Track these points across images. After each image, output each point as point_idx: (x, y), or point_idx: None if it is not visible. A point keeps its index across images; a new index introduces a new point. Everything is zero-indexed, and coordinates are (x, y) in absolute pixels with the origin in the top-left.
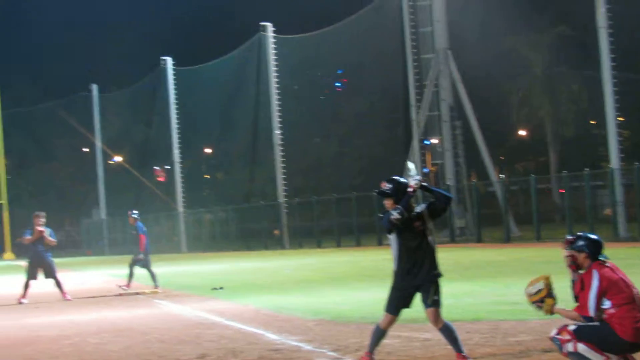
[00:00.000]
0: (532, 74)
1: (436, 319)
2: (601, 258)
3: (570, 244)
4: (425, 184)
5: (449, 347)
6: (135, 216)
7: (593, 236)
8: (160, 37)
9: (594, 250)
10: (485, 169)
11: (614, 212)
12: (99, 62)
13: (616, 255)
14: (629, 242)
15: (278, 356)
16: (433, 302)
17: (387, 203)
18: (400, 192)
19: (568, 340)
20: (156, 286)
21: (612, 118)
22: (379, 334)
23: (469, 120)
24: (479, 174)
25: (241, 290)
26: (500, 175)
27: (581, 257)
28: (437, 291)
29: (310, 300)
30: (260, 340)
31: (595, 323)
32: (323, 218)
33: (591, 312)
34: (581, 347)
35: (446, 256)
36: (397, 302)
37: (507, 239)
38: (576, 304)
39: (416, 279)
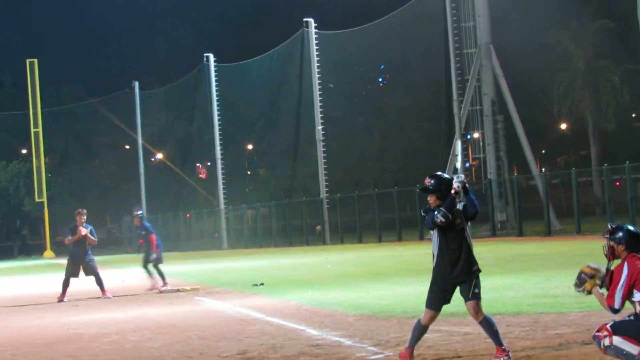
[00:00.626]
0: (574, 67)
1: (477, 311)
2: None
3: (611, 234)
4: (467, 185)
5: (489, 340)
6: (141, 216)
7: (632, 228)
8: (202, 33)
9: (633, 242)
10: (526, 162)
11: None
12: (141, 59)
13: None
14: None
15: (319, 351)
16: (473, 294)
17: (431, 199)
18: (443, 188)
19: (605, 336)
20: (165, 283)
21: None
22: (420, 329)
23: (511, 115)
24: (520, 168)
25: (282, 287)
26: (542, 169)
27: (620, 248)
28: (477, 285)
29: (351, 295)
30: (301, 335)
31: (630, 317)
32: (365, 213)
33: (617, 304)
34: (616, 340)
35: (487, 250)
36: (438, 298)
37: (549, 232)
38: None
39: (457, 275)
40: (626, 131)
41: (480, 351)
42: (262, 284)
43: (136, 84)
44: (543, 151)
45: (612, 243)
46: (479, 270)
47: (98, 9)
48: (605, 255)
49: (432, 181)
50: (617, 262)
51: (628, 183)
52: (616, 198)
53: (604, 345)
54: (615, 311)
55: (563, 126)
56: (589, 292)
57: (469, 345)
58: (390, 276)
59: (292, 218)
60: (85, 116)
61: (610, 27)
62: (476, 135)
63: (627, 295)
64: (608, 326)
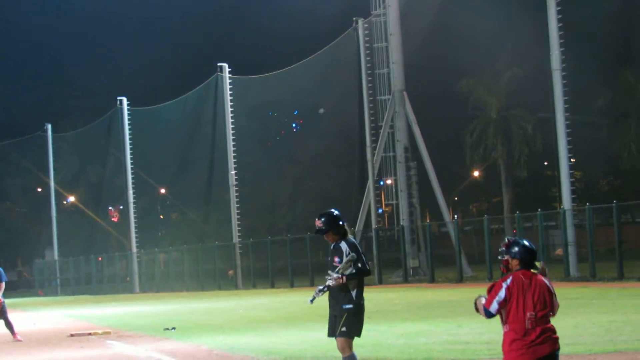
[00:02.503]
0: (487, 115)
1: (342, 348)
2: (533, 269)
3: (507, 248)
4: (346, 273)
5: None
6: None
7: (528, 244)
8: (116, 76)
9: (527, 258)
10: (439, 209)
11: (566, 252)
12: (54, 101)
13: (567, 294)
14: (580, 282)
15: None
16: (340, 332)
17: (327, 237)
18: (336, 224)
19: None
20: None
21: (564, 159)
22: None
23: (424, 161)
24: (433, 214)
25: (194, 331)
26: (454, 216)
27: (514, 263)
28: (344, 324)
29: (263, 340)
30: None
31: None
32: (277, 258)
33: (493, 308)
34: None
35: (399, 296)
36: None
37: (460, 279)
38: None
39: (332, 308)
40: (538, 179)
41: None
42: (173, 328)
43: (49, 126)
44: (455, 198)
45: (506, 257)
46: (351, 310)
47: (12, 49)
48: (500, 268)
49: (323, 219)
50: None
51: (540, 230)
52: None
53: None
54: (490, 315)
55: (476, 173)
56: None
57: None
58: (302, 321)
59: (204, 262)
60: None
61: (522, 75)
62: (389, 181)
63: (503, 305)
64: None
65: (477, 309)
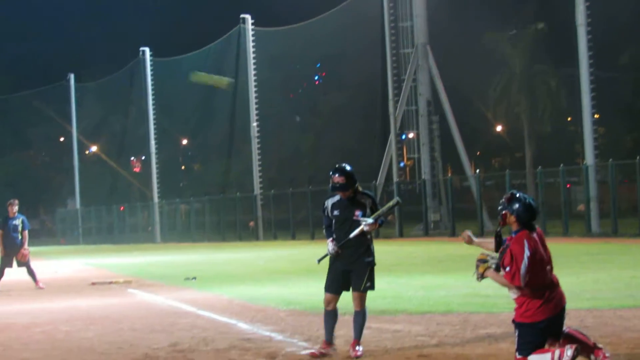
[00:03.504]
0: (511, 70)
1: (360, 302)
2: (532, 225)
3: (508, 202)
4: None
5: (419, 338)
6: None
7: (529, 202)
8: (139, 27)
9: (525, 217)
10: (461, 163)
11: (587, 208)
12: (77, 51)
13: (589, 250)
14: (601, 238)
15: (249, 345)
16: (365, 287)
17: (344, 194)
18: (355, 178)
19: None
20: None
21: (588, 115)
22: (326, 315)
23: (446, 115)
24: (454, 169)
25: (214, 281)
26: (476, 170)
27: (511, 219)
28: (370, 278)
29: (283, 291)
30: (232, 329)
31: (515, 332)
32: (298, 210)
33: (522, 281)
34: (531, 358)
35: (420, 249)
36: (329, 281)
37: (481, 233)
38: (504, 271)
39: (346, 262)
40: (561, 135)
41: (409, 348)
42: (194, 278)
43: (72, 76)
44: (478, 153)
45: (505, 211)
46: (372, 264)
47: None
48: (499, 222)
49: (342, 175)
50: (506, 229)
51: (561, 186)
52: (549, 201)
53: None
54: (521, 289)
55: (498, 128)
56: (483, 276)
57: (399, 343)
58: (322, 273)
59: (225, 213)
60: (20, 107)
61: (548, 31)
62: (411, 135)
63: (532, 272)
64: (519, 356)
65: (480, 274)
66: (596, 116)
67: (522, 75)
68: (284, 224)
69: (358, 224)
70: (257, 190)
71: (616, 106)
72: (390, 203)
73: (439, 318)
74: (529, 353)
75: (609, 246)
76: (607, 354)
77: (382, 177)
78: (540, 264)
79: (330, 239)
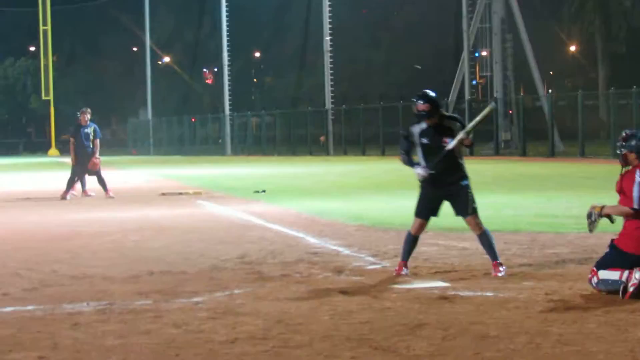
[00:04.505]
0: None
1: (476, 224)
2: None
3: (624, 141)
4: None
5: (486, 256)
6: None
7: None
8: None
9: None
10: (533, 83)
11: None
12: None
13: None
14: None
15: (316, 259)
16: (472, 209)
17: (430, 121)
18: (439, 105)
19: (593, 276)
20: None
21: None
22: (410, 240)
23: (520, 34)
24: (527, 88)
25: (283, 195)
26: (548, 90)
27: (632, 156)
28: (472, 199)
29: (352, 206)
30: (300, 243)
31: (608, 250)
32: (369, 126)
33: (636, 203)
34: (601, 273)
35: (489, 168)
36: (423, 207)
37: (552, 154)
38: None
39: (442, 188)
40: (636, 56)
41: (476, 266)
42: (263, 191)
43: None
44: (551, 72)
45: (624, 151)
46: (470, 186)
47: None
48: (620, 163)
49: (426, 102)
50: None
51: (634, 108)
52: (622, 123)
53: (594, 284)
54: (637, 210)
55: (572, 48)
56: (601, 216)
57: (466, 260)
58: (391, 189)
59: (296, 127)
60: (94, 16)
61: None
62: (484, 53)
63: None
64: (593, 267)
65: (598, 215)
66: None
67: None
68: (355, 140)
69: (447, 150)
70: (328, 104)
71: None
72: (486, 111)
73: (507, 237)
74: (604, 268)
75: None
76: None
77: (454, 94)
78: None
79: (421, 166)
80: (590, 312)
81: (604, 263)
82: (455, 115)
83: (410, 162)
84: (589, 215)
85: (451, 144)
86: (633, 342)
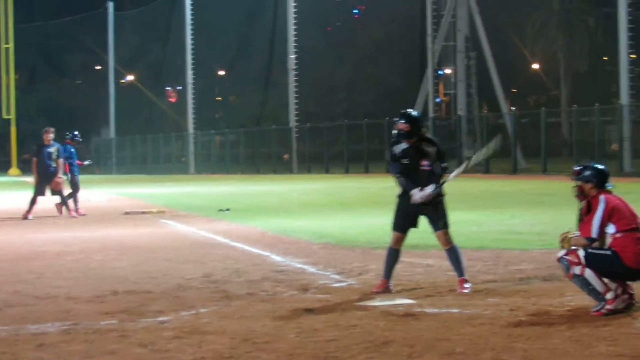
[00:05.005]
0: (549, 7)
1: (446, 241)
2: (608, 187)
3: (578, 175)
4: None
5: (451, 273)
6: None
7: (599, 166)
8: None
9: (600, 179)
10: (496, 100)
11: (621, 147)
12: None
13: (621, 189)
14: (633, 177)
15: (282, 277)
16: (443, 224)
17: (409, 142)
18: (420, 126)
19: (576, 264)
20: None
21: (624, 55)
22: (390, 254)
23: (484, 52)
24: (490, 106)
25: (248, 213)
26: (511, 108)
27: (587, 187)
28: (443, 216)
29: (317, 224)
30: (265, 261)
31: (606, 251)
32: (333, 144)
33: (594, 233)
34: (588, 273)
35: (453, 185)
36: (400, 221)
37: (515, 171)
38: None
39: (418, 206)
40: (597, 74)
41: (441, 283)
42: (227, 210)
43: (110, 4)
44: (513, 90)
45: (579, 183)
46: (442, 201)
47: None
48: (576, 197)
49: (407, 122)
50: None
51: (596, 125)
52: (583, 139)
53: (573, 272)
54: (592, 240)
55: (535, 66)
56: (570, 245)
57: (431, 277)
58: (356, 207)
59: (260, 146)
60: (57, 34)
61: None
62: (448, 71)
63: (604, 226)
64: (582, 256)
65: (565, 245)
66: (632, 56)
67: (561, 12)
68: (319, 158)
69: (425, 173)
70: (292, 122)
71: None
72: (460, 170)
73: (471, 253)
74: (594, 270)
75: None
76: None
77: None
78: (621, 212)
79: (418, 188)
80: (555, 328)
81: (599, 265)
82: (434, 139)
83: (409, 184)
84: (562, 240)
85: (452, 176)
86: (597, 357)
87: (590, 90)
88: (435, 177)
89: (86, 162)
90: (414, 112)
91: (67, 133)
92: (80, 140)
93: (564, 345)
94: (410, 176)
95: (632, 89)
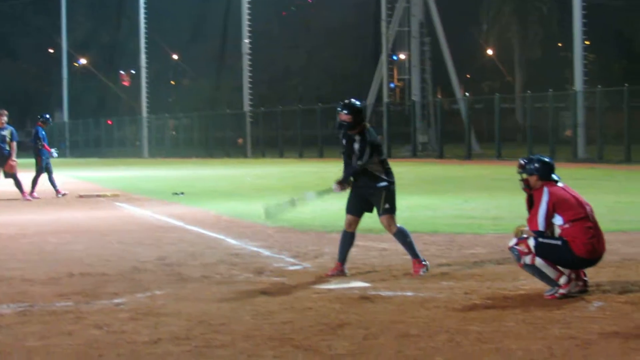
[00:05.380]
0: None
1: (389, 225)
2: (554, 178)
3: (523, 168)
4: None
5: (406, 257)
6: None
7: (544, 158)
8: None
9: (545, 171)
10: (451, 86)
11: (575, 133)
12: None
13: (574, 175)
14: (587, 163)
15: (237, 260)
16: (384, 210)
17: (345, 118)
18: (362, 117)
19: (526, 253)
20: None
21: (578, 41)
22: (343, 236)
23: (438, 38)
24: (444, 91)
25: (202, 197)
26: (465, 93)
27: (533, 179)
28: (387, 200)
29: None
30: (220, 245)
31: (557, 241)
32: (287, 129)
33: (540, 226)
34: (538, 262)
35: (407, 170)
36: (351, 203)
37: (469, 156)
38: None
39: (362, 187)
40: (551, 60)
41: (396, 267)
42: (182, 193)
43: None
44: (468, 76)
45: (525, 176)
46: (387, 187)
47: None
48: (523, 190)
49: (349, 113)
50: None
51: (550, 111)
52: (537, 125)
53: (524, 262)
54: (540, 234)
55: (489, 52)
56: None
57: (385, 261)
58: (310, 191)
59: (214, 130)
60: (9, 17)
61: None
62: (402, 56)
63: (549, 218)
64: (532, 245)
65: (517, 237)
66: (586, 42)
67: None
68: (272, 142)
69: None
70: (246, 107)
71: (606, 33)
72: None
73: (425, 238)
74: (545, 258)
75: (594, 171)
76: None
77: (372, 97)
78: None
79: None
80: (508, 311)
81: (548, 254)
82: (367, 136)
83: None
84: (516, 234)
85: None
86: (551, 339)
87: (545, 77)
88: (349, 169)
89: (53, 151)
90: (356, 103)
91: (39, 116)
92: (51, 122)
93: (517, 327)
94: (347, 159)
95: (586, 76)
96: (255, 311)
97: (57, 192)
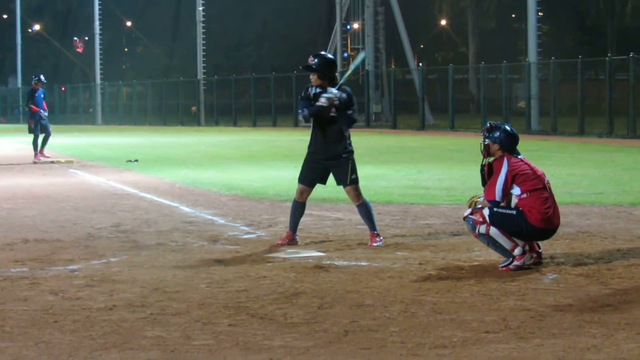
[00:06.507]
0: None
1: (356, 195)
2: (516, 151)
3: (488, 132)
4: (337, 102)
5: (360, 227)
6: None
7: (509, 129)
8: None
9: (508, 143)
10: (404, 56)
11: (528, 105)
12: None
13: (527, 147)
14: (540, 135)
15: (192, 228)
16: (351, 180)
17: (312, 77)
18: (326, 68)
19: (481, 223)
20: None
21: (533, 12)
22: (294, 206)
23: (392, 7)
24: (398, 61)
25: (156, 164)
26: (419, 64)
27: (494, 147)
28: (353, 171)
29: (225, 176)
30: (175, 212)
31: (512, 211)
32: (241, 97)
33: (497, 196)
34: (493, 231)
35: (361, 140)
36: (306, 173)
37: (422, 127)
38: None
39: (325, 158)
40: (505, 31)
41: (350, 237)
42: (136, 161)
43: None
44: (422, 46)
45: (487, 142)
46: (352, 157)
47: None
48: (481, 152)
49: (315, 60)
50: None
51: (503, 82)
52: (491, 97)
53: (478, 232)
54: (496, 204)
55: (443, 22)
56: (475, 207)
57: (340, 231)
58: (264, 160)
59: (168, 97)
60: None
61: None
62: (356, 25)
63: (507, 189)
64: (486, 215)
65: (471, 207)
66: (540, 14)
67: None
68: (226, 110)
69: (334, 120)
70: (200, 75)
71: (560, 5)
72: (358, 59)
73: (379, 208)
74: (499, 227)
75: (548, 143)
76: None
77: None
78: (525, 173)
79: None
80: (463, 282)
81: (503, 223)
82: (345, 89)
83: (312, 108)
84: (470, 205)
85: (322, 99)
86: (505, 310)
87: (498, 48)
88: (342, 120)
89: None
90: (328, 55)
91: (34, 76)
92: (45, 81)
93: (472, 299)
94: (321, 118)
95: (540, 47)
96: (210, 279)
97: (36, 155)
